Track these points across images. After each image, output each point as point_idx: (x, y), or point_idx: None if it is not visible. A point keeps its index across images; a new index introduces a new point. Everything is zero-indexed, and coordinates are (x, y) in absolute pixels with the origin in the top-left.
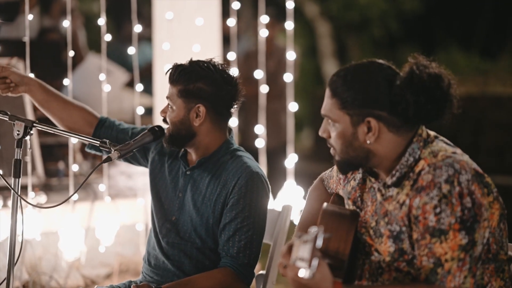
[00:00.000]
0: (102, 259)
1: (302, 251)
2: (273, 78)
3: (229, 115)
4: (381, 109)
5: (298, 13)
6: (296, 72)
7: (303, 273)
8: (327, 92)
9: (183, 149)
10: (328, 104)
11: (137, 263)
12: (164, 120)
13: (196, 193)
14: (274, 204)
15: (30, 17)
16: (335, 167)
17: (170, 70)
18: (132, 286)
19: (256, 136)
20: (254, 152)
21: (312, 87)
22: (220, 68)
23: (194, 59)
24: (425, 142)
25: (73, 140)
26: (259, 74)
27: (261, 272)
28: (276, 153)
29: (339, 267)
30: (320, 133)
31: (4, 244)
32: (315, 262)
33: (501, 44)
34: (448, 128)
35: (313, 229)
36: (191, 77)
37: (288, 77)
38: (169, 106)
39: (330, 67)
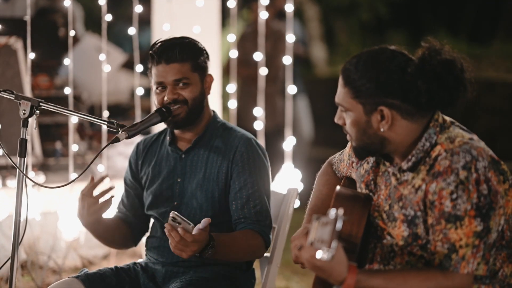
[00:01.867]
0: None
1: (321, 232)
2: (269, 61)
3: None
4: (393, 97)
5: None
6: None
7: (321, 254)
8: (340, 81)
9: (170, 137)
10: (341, 93)
11: None
12: (174, 102)
13: (196, 172)
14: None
15: None
16: (346, 150)
17: (171, 51)
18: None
19: (254, 118)
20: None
21: (301, 70)
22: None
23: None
24: (441, 127)
25: (73, 120)
26: (258, 56)
27: (265, 254)
28: (271, 135)
29: (352, 250)
30: (335, 120)
31: (3, 224)
32: (334, 244)
33: (493, 29)
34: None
35: (333, 211)
36: (197, 50)
37: (287, 60)
38: (181, 85)
39: (318, 51)
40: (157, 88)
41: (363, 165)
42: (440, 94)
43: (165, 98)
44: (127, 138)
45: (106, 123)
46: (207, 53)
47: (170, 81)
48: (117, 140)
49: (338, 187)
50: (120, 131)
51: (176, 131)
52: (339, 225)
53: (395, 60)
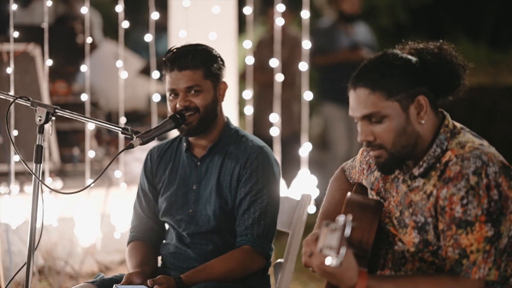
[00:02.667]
0: (117, 246)
1: (330, 239)
2: (286, 67)
3: None
4: (422, 84)
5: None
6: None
7: (330, 261)
8: (363, 92)
9: (186, 144)
10: (370, 101)
11: None
12: (186, 109)
13: (211, 179)
14: (288, 192)
15: (49, 3)
16: (357, 157)
17: (184, 58)
18: (148, 281)
19: (270, 124)
20: (268, 141)
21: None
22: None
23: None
24: (452, 133)
25: (90, 127)
26: (274, 62)
27: (279, 260)
28: (287, 142)
29: (363, 256)
30: (362, 139)
31: (20, 230)
32: (343, 250)
33: (510, 35)
34: (459, 119)
35: (341, 218)
36: (210, 57)
37: (303, 66)
38: (192, 93)
39: None
40: (170, 95)
41: (373, 172)
42: (456, 74)
43: (177, 106)
44: (141, 144)
45: (120, 129)
46: (222, 60)
47: (182, 88)
48: (131, 146)
49: (349, 194)
50: (135, 137)
51: (190, 138)
52: (347, 231)
53: (403, 54)
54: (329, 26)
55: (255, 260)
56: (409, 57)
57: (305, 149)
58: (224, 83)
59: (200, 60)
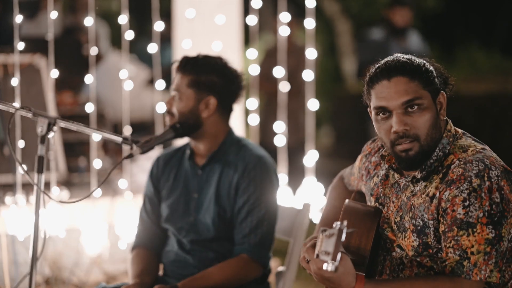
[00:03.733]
0: (123, 255)
1: (326, 244)
2: (292, 76)
3: (233, 108)
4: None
5: (318, 11)
6: (316, 70)
7: (326, 266)
8: (402, 80)
9: (189, 151)
10: (410, 88)
11: None
12: (168, 112)
13: (211, 188)
14: (294, 201)
15: (53, 15)
16: (356, 164)
17: (181, 60)
18: None
19: (275, 134)
20: (274, 150)
21: (331, 85)
22: (228, 63)
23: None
24: (454, 138)
25: (96, 137)
26: (279, 72)
27: (280, 268)
28: (295, 151)
29: (361, 262)
30: (399, 129)
31: (27, 241)
32: (339, 255)
33: None
34: (468, 127)
35: (337, 224)
36: (204, 69)
37: (308, 75)
38: (176, 97)
39: (349, 65)
40: None
41: (373, 178)
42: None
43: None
44: (141, 153)
45: (121, 139)
46: (229, 78)
47: (172, 88)
48: (131, 156)
49: (347, 201)
50: (135, 147)
51: (192, 145)
52: (343, 236)
53: None
54: (381, 38)
55: (252, 269)
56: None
57: (311, 157)
58: (214, 99)
59: (193, 68)
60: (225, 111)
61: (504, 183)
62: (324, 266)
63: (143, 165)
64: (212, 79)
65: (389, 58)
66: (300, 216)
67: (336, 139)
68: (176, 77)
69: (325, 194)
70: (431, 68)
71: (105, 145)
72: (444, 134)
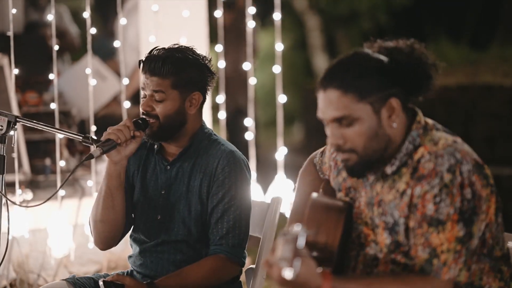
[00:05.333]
0: (91, 256)
1: (284, 250)
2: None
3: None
4: (394, 85)
5: (287, 6)
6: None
7: (287, 273)
8: (334, 93)
9: (157, 145)
10: (342, 103)
11: (126, 260)
12: (148, 115)
13: (180, 185)
14: (264, 197)
15: (13, 11)
16: (326, 152)
17: (155, 63)
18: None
19: (246, 128)
20: (244, 145)
21: (302, 80)
22: (198, 52)
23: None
24: (424, 130)
25: (60, 136)
26: (247, 66)
27: (251, 266)
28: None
29: (328, 259)
30: (333, 143)
31: None
32: (297, 262)
33: (491, 34)
34: (439, 118)
35: (296, 228)
36: (184, 66)
37: (276, 69)
38: (156, 99)
39: (319, 61)
40: (142, 94)
41: (340, 171)
42: (427, 74)
43: (140, 108)
44: (102, 154)
45: (81, 138)
46: (205, 69)
47: (148, 92)
48: (91, 156)
49: (314, 194)
50: (94, 147)
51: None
52: (300, 242)
53: (375, 54)
54: None
55: (230, 269)
56: (381, 57)
57: (281, 153)
58: (199, 94)
59: (170, 69)
60: (202, 103)
61: (476, 178)
62: (283, 273)
63: None
64: (192, 74)
65: (333, 61)
66: (270, 212)
67: (306, 135)
68: (151, 78)
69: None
70: (376, 73)
71: (71, 145)
72: (414, 125)
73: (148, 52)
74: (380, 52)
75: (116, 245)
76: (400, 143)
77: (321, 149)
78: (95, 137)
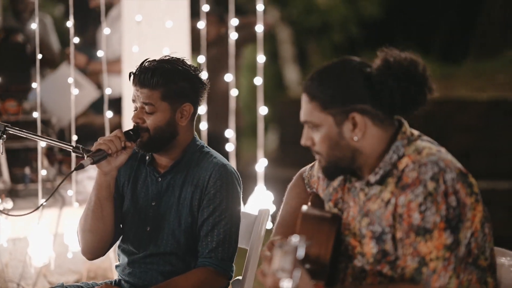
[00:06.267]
0: (70, 266)
1: (283, 261)
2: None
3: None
4: (363, 102)
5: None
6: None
7: (285, 284)
8: (304, 98)
9: (149, 157)
10: (307, 109)
11: (105, 269)
12: (140, 128)
13: (172, 197)
14: (245, 208)
15: None
16: (316, 165)
17: (144, 75)
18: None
19: (226, 140)
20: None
21: (273, 92)
22: (187, 63)
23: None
24: (409, 140)
25: (43, 144)
26: (228, 77)
27: (237, 277)
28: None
29: (321, 271)
30: (303, 142)
31: None
32: (296, 273)
33: (463, 48)
34: None
35: (294, 239)
36: (173, 77)
37: (257, 81)
38: (146, 111)
39: (291, 73)
40: (134, 105)
41: (331, 183)
42: (411, 92)
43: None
44: (92, 163)
45: (71, 148)
46: (195, 81)
47: (139, 105)
48: (82, 166)
49: (304, 207)
50: (85, 157)
51: (155, 155)
52: (300, 253)
53: (356, 66)
54: None
55: (218, 282)
56: (364, 69)
57: (261, 165)
58: (189, 105)
59: (159, 80)
60: (194, 114)
61: (460, 186)
62: (282, 284)
63: (89, 173)
64: (182, 85)
65: (320, 66)
66: (257, 224)
67: (280, 146)
68: (141, 90)
69: (273, 202)
70: (344, 86)
71: (50, 154)
72: (399, 136)
73: (139, 64)
74: (382, 64)
75: (103, 255)
76: (383, 153)
77: (311, 164)
78: (86, 148)
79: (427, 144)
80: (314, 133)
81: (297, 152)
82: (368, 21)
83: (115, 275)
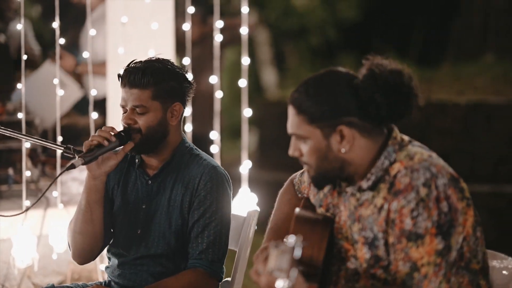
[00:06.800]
0: (55, 267)
1: (280, 261)
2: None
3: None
4: (350, 115)
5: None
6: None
7: (281, 284)
8: (291, 110)
9: (138, 160)
10: (294, 122)
11: (90, 271)
12: (132, 129)
13: (162, 199)
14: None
15: None
16: (305, 172)
17: (134, 75)
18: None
19: (210, 141)
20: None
21: (251, 94)
22: (174, 63)
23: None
24: (400, 145)
25: (27, 145)
26: (213, 79)
27: (226, 279)
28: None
29: (314, 273)
30: (291, 153)
31: None
32: (293, 273)
33: (441, 52)
34: None
35: (291, 239)
36: (164, 76)
37: (242, 83)
38: (138, 112)
39: (268, 75)
40: (123, 109)
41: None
42: (398, 104)
43: (122, 122)
44: (83, 164)
45: (62, 148)
46: (183, 80)
47: (130, 106)
48: (73, 166)
49: (297, 210)
50: (76, 157)
51: (144, 157)
52: (297, 253)
53: (343, 78)
54: None
55: (208, 283)
56: (351, 81)
57: (245, 166)
58: (179, 105)
59: (150, 79)
60: (183, 114)
61: (451, 191)
62: (278, 284)
63: (74, 175)
64: (172, 85)
65: (306, 77)
66: (246, 225)
67: (259, 148)
68: (131, 91)
69: (257, 204)
70: (332, 100)
71: (33, 155)
72: (390, 141)
73: (126, 65)
74: (367, 72)
75: (94, 259)
76: (374, 160)
77: (302, 170)
78: (77, 148)
79: (418, 149)
80: (301, 144)
81: (277, 154)
82: (346, 24)
83: (100, 277)
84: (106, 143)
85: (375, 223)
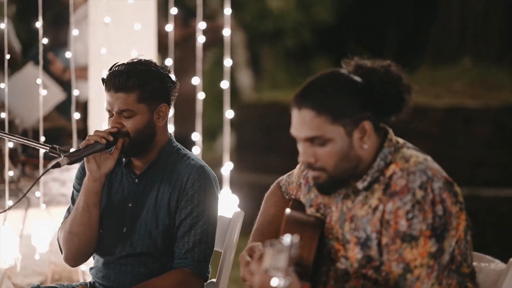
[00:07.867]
0: (36, 268)
1: (276, 260)
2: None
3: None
4: (368, 109)
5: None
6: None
7: (277, 282)
8: (309, 113)
9: (124, 159)
10: (315, 124)
11: (70, 271)
12: (119, 133)
13: (148, 198)
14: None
15: None
16: (294, 172)
17: (119, 78)
18: None
19: (192, 143)
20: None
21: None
22: (157, 64)
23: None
24: (395, 147)
25: (10, 145)
26: (195, 80)
27: (211, 280)
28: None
29: (304, 274)
30: (304, 160)
31: None
32: (290, 271)
33: (418, 55)
34: None
35: (287, 238)
36: (147, 79)
37: (224, 84)
38: (124, 116)
39: (243, 77)
40: (109, 113)
41: (312, 188)
42: (399, 94)
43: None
44: (69, 164)
45: (48, 148)
46: (167, 81)
47: (116, 110)
48: (58, 165)
49: (288, 210)
50: (62, 157)
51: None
52: (294, 251)
53: (350, 75)
54: None
55: (193, 283)
56: (356, 78)
57: (227, 168)
58: (165, 106)
59: (135, 82)
60: (168, 114)
61: (446, 195)
62: (274, 282)
63: (55, 175)
64: (157, 86)
65: (310, 79)
66: (231, 226)
67: (236, 150)
68: (116, 95)
69: (238, 206)
70: (350, 96)
71: (14, 155)
72: (386, 143)
73: (108, 69)
74: (356, 71)
75: (85, 261)
76: (372, 160)
77: (288, 173)
78: (62, 148)
79: (413, 152)
80: (317, 148)
81: (252, 156)
82: (321, 26)
83: (80, 277)
84: (103, 141)
85: (369, 224)
